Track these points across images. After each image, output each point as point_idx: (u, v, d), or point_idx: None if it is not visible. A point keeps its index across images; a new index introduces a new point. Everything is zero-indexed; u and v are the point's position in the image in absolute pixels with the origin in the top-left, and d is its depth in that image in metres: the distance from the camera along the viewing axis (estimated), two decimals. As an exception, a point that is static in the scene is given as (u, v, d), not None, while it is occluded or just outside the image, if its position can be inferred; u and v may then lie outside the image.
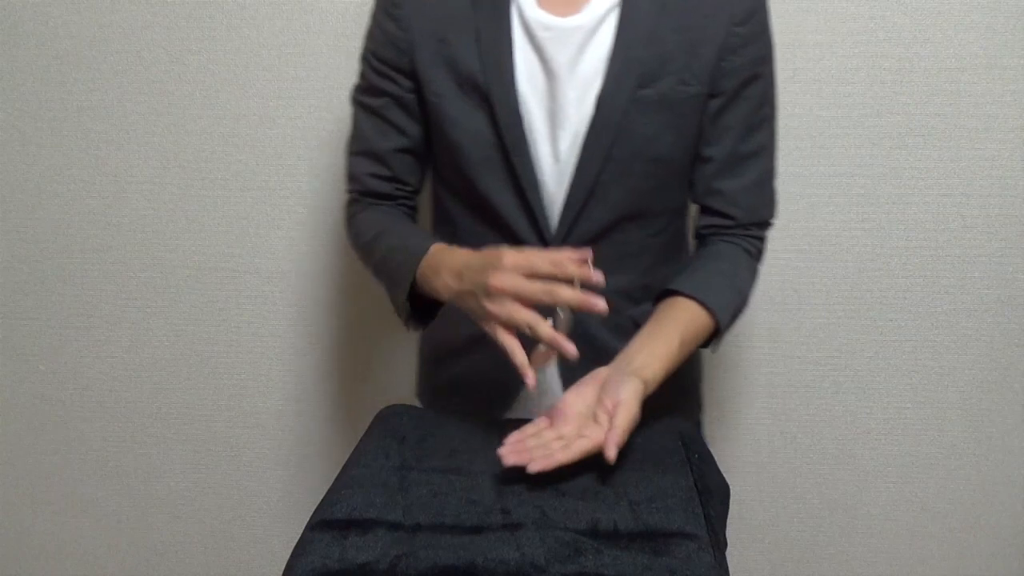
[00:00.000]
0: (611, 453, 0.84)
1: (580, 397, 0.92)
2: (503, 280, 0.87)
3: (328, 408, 1.61)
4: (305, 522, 0.83)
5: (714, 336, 1.03)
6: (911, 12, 1.36)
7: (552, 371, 1.10)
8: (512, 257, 0.88)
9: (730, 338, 1.51)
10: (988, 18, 1.35)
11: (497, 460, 0.86)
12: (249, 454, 1.64)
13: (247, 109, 1.46)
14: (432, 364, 1.20)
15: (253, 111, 1.46)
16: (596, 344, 1.08)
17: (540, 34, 0.98)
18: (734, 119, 1.03)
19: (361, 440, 0.99)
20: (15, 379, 1.63)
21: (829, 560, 1.62)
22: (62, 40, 1.45)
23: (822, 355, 1.52)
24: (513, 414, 1.12)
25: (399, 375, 1.57)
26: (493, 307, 0.88)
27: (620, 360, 0.96)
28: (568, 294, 0.86)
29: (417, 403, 1.24)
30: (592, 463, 0.89)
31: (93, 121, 1.49)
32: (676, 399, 1.06)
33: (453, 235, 1.09)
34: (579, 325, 1.07)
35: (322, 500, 0.86)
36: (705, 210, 1.09)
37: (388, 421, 1.02)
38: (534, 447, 0.87)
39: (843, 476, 1.57)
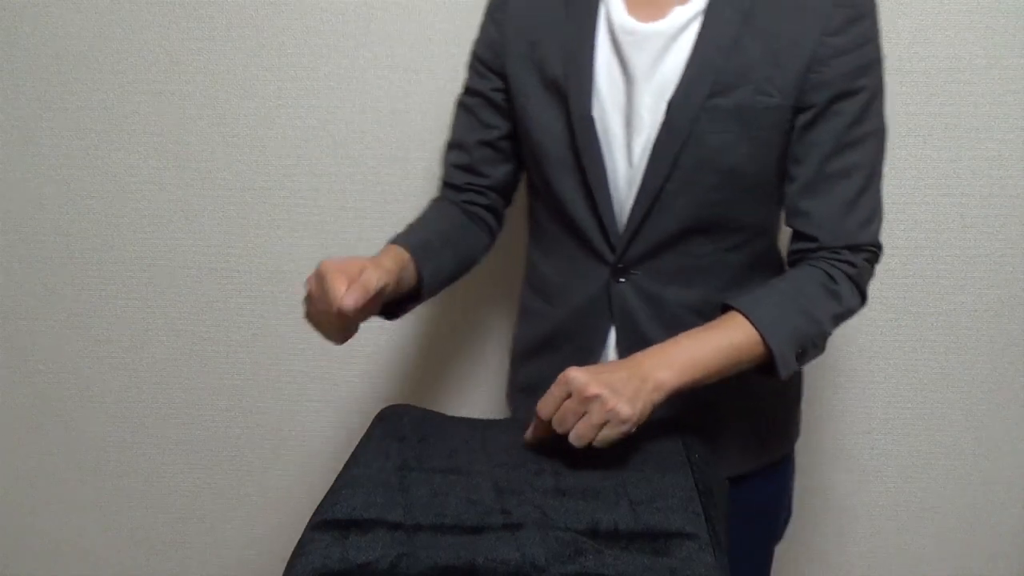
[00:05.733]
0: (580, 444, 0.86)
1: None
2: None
3: (327, 408, 1.61)
4: (305, 522, 0.83)
5: (771, 357, 0.93)
6: (911, 12, 1.36)
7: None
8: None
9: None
10: (988, 18, 1.35)
11: (497, 460, 0.86)
12: (249, 454, 1.64)
13: (247, 109, 1.46)
14: (516, 365, 1.21)
15: (253, 111, 1.46)
16: None
17: (622, 38, 0.98)
18: (823, 135, 0.97)
19: (361, 440, 0.99)
20: (15, 379, 1.62)
21: (829, 560, 1.62)
22: (62, 40, 1.45)
23: (822, 355, 1.51)
24: None
25: (399, 375, 1.57)
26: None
27: (629, 360, 0.91)
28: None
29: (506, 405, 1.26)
30: (592, 463, 0.89)
31: (93, 121, 1.49)
32: (760, 425, 1.10)
33: (540, 242, 1.11)
34: (638, 332, 1.04)
35: (322, 500, 0.86)
36: (793, 232, 1.02)
37: (388, 421, 1.02)
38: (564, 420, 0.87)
39: (843, 476, 1.57)
